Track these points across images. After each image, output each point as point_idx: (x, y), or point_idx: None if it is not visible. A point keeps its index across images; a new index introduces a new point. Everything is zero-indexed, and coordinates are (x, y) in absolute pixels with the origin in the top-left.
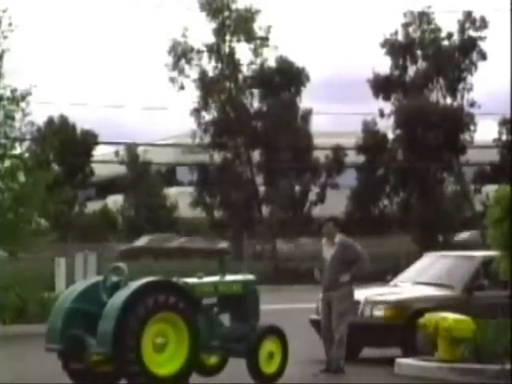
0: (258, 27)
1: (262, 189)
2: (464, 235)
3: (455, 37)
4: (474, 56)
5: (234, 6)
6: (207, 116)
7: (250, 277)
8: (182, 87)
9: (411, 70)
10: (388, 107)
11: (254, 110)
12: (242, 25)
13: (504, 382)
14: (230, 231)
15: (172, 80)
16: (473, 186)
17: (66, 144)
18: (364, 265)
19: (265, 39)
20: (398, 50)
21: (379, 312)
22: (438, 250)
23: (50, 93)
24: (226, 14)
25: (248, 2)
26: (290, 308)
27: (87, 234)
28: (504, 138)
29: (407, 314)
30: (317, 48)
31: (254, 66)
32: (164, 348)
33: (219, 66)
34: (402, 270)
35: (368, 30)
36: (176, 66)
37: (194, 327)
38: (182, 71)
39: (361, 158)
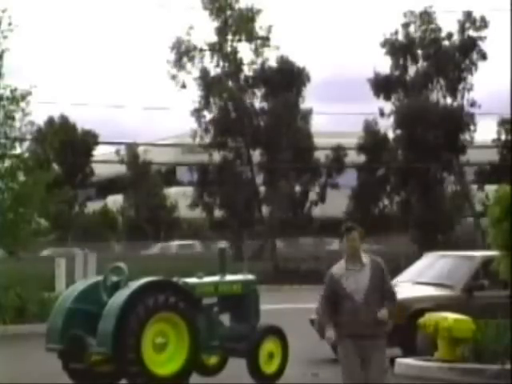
0: (259, 27)
1: (262, 189)
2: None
3: (455, 37)
4: (474, 56)
5: (236, 6)
6: (208, 115)
7: (250, 277)
8: (183, 86)
9: (411, 70)
10: (388, 107)
11: (255, 109)
12: (244, 24)
13: (504, 382)
14: (230, 231)
15: (173, 78)
16: (475, 186)
17: (66, 144)
18: (396, 301)
19: (266, 39)
20: (399, 49)
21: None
22: (438, 250)
23: (50, 93)
24: (229, 13)
25: (249, 1)
26: (290, 308)
27: (87, 233)
28: (503, 137)
29: (407, 314)
30: (317, 48)
31: (255, 66)
32: (164, 348)
33: (221, 64)
34: (402, 269)
35: (368, 30)
36: (178, 63)
37: (193, 327)
38: (183, 67)
39: (361, 158)
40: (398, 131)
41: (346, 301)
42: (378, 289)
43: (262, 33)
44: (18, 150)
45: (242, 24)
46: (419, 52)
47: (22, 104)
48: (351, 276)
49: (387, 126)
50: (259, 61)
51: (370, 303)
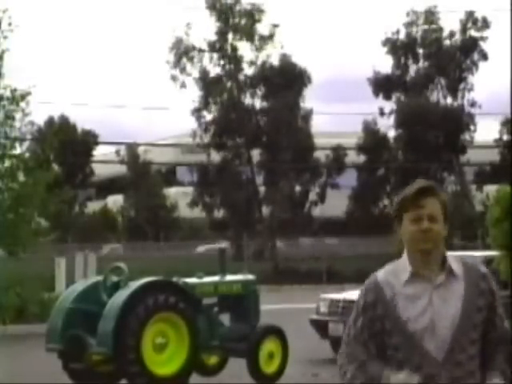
0: (264, 25)
1: (262, 189)
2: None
3: (457, 36)
4: (475, 56)
5: (238, 7)
6: (208, 116)
7: (250, 277)
8: (183, 86)
9: (412, 70)
10: (388, 106)
11: (255, 109)
12: (246, 24)
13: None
14: (230, 231)
15: (173, 78)
16: (474, 186)
17: (66, 144)
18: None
19: (268, 38)
20: (400, 48)
21: None
22: None
23: (50, 93)
24: (230, 14)
25: (251, 1)
26: (290, 308)
27: (87, 233)
28: (505, 137)
29: None
30: (318, 48)
31: (255, 66)
32: (164, 348)
33: (221, 64)
34: None
35: (369, 30)
36: (177, 64)
37: (194, 327)
38: (183, 69)
39: (361, 158)
40: (399, 131)
41: (409, 352)
42: (478, 328)
43: (265, 32)
44: (18, 150)
45: (243, 24)
46: (420, 51)
47: (22, 104)
48: (422, 298)
49: (387, 126)
50: (260, 60)
51: (462, 361)
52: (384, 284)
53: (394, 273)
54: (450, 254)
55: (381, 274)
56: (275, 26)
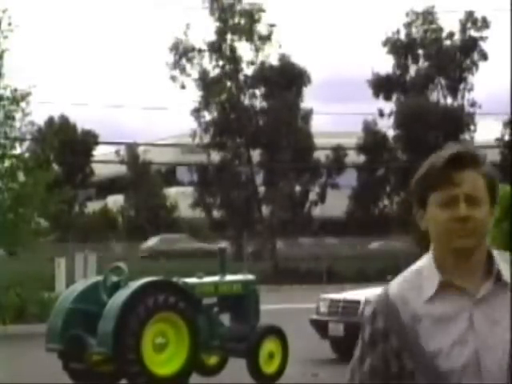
0: (262, 25)
1: (262, 189)
2: None
3: (456, 37)
4: (475, 56)
5: (238, 7)
6: (208, 116)
7: (250, 277)
8: (183, 86)
9: (412, 70)
10: (388, 107)
11: (255, 109)
12: (245, 24)
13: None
14: (230, 231)
15: (173, 79)
16: None
17: (66, 144)
18: None
19: (266, 38)
20: (400, 48)
21: None
22: None
23: (50, 93)
24: (229, 14)
25: (251, 2)
26: (290, 308)
27: (87, 233)
28: (506, 138)
29: None
30: (317, 48)
31: (254, 66)
32: (164, 348)
33: (220, 64)
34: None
35: (369, 30)
36: (177, 64)
37: (194, 327)
38: (183, 70)
39: (361, 158)
40: (398, 131)
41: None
42: None
43: (263, 31)
44: (18, 150)
45: (243, 24)
46: (420, 52)
47: (22, 104)
48: (458, 320)
49: (387, 126)
50: (259, 60)
51: None
52: (399, 302)
53: (414, 283)
54: (497, 252)
55: (394, 288)
56: (272, 25)
